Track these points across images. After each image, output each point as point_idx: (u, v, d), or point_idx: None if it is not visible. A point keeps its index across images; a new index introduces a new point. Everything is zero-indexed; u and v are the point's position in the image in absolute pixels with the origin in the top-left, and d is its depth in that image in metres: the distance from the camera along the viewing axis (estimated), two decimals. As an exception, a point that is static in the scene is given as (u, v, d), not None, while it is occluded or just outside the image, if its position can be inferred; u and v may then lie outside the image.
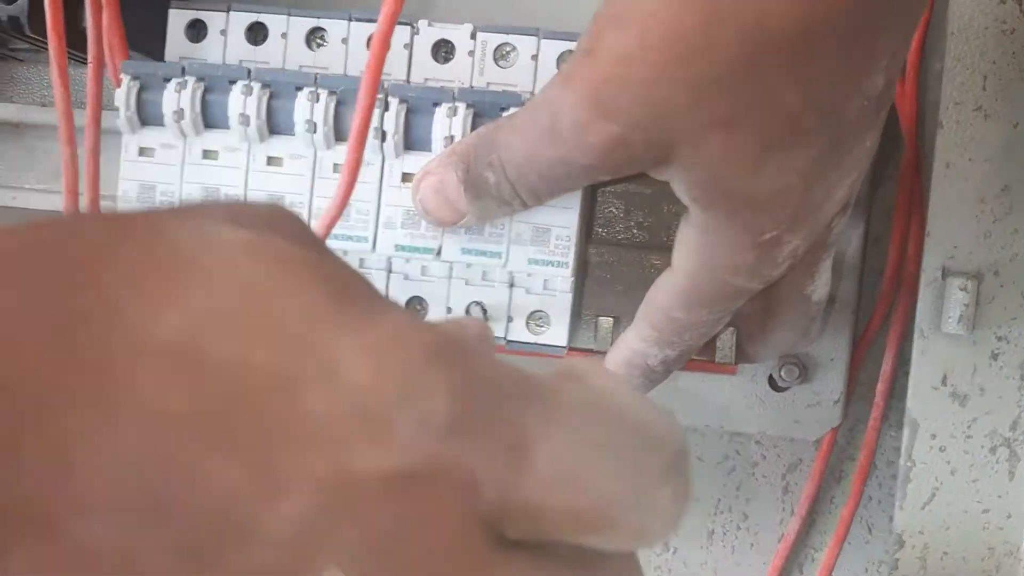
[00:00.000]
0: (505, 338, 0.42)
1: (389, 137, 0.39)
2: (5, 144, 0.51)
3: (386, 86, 0.39)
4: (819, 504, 0.54)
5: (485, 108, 0.39)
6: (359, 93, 0.35)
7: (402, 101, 0.39)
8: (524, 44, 0.42)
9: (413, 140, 0.39)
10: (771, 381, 0.50)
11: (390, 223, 0.40)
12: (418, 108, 0.39)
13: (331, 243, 0.39)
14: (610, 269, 0.49)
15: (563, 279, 0.41)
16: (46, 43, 0.43)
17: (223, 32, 0.42)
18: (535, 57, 0.42)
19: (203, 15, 0.43)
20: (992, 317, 0.41)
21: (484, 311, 0.42)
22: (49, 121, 0.50)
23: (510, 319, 0.42)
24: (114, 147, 0.44)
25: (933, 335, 0.41)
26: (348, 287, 0.18)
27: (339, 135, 0.40)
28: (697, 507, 0.55)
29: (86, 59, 0.43)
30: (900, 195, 0.47)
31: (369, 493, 0.16)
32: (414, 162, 0.39)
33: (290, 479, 0.15)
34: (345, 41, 0.42)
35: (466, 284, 0.42)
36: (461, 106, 0.39)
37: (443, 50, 0.42)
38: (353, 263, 0.42)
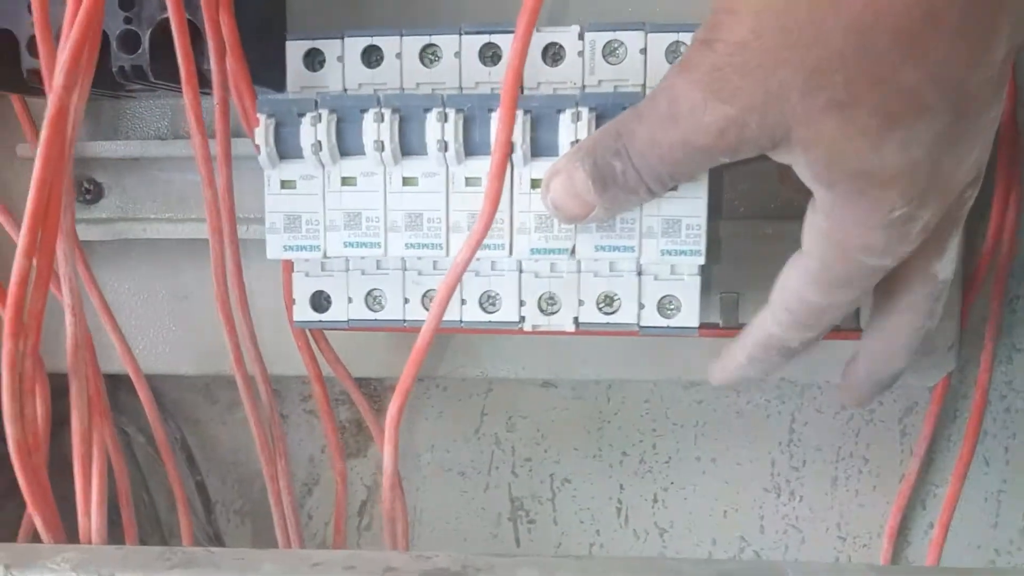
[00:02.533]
0: (638, 324, 0.44)
1: (517, 147, 0.40)
2: (128, 178, 0.53)
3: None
4: (936, 443, 0.56)
5: (607, 110, 0.40)
6: (500, 107, 0.37)
7: (526, 111, 0.40)
8: (631, 39, 0.43)
9: (540, 147, 0.41)
10: (884, 333, 0.52)
11: (524, 228, 0.42)
12: (542, 116, 0.41)
13: (481, 253, 0.41)
14: (724, 243, 0.51)
15: (691, 265, 0.43)
16: (165, 86, 0.46)
17: (339, 59, 0.44)
18: (643, 51, 0.43)
19: (319, 44, 0.44)
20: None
21: (613, 300, 0.44)
22: (168, 153, 0.52)
23: (642, 306, 0.44)
24: (245, 171, 0.47)
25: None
26: None
27: (469, 150, 0.41)
28: (819, 456, 0.57)
29: (208, 93, 0.45)
30: (1003, 138, 0.48)
31: None
32: (542, 168, 0.41)
33: None
34: (458, 55, 0.43)
35: (595, 276, 0.44)
36: (584, 110, 0.40)
37: (552, 52, 0.44)
38: (484, 268, 0.44)
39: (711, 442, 0.58)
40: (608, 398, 0.58)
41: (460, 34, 0.44)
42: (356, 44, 0.44)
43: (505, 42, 0.44)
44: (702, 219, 0.41)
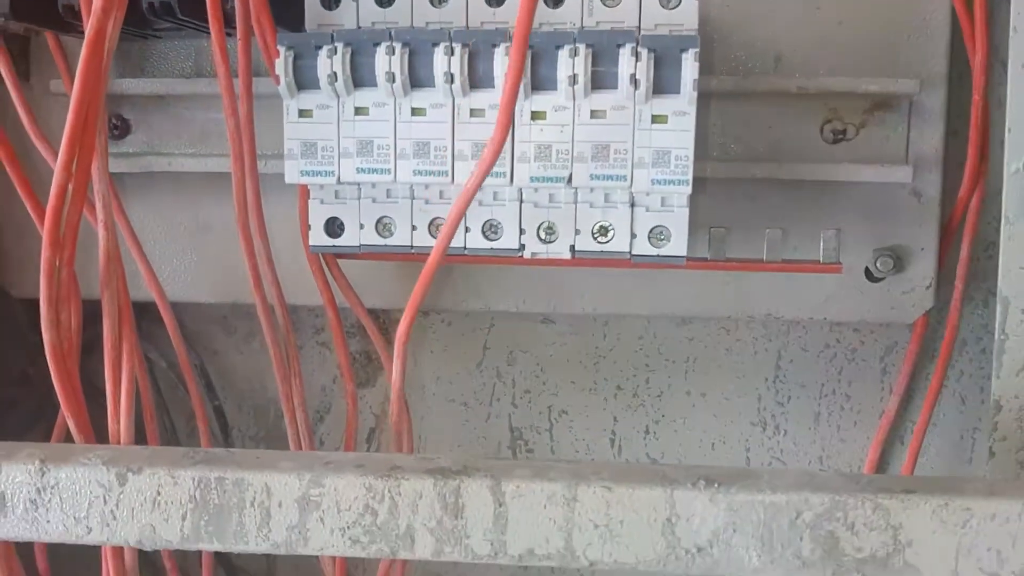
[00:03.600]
0: (630, 253, 0.47)
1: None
2: (154, 115, 0.57)
3: (509, 35, 0.44)
4: (915, 382, 0.59)
5: (603, 47, 0.43)
6: (512, 45, 0.40)
7: (528, 47, 0.43)
8: (628, -17, 0.46)
9: (539, 81, 0.44)
10: (867, 273, 0.55)
11: (524, 157, 0.45)
12: (542, 52, 0.44)
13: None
14: (715, 183, 0.54)
15: (680, 195, 0.46)
16: (191, 23, 0.49)
17: (355, -1, 0.47)
18: (639, -6, 0.46)
19: (336, -16, 0.47)
20: (1075, 197, 0.45)
21: (608, 230, 0.47)
22: (192, 91, 0.55)
23: (634, 235, 0.47)
24: (262, 110, 0.50)
25: (1017, 220, 0.45)
26: None
27: (473, 83, 0.44)
28: (803, 392, 0.60)
29: (230, 33, 0.48)
30: (975, 93, 0.51)
31: None
32: (542, 101, 0.44)
33: None
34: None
35: (591, 207, 0.47)
36: (581, 47, 0.43)
37: (556, -4, 0.47)
38: (487, 197, 0.47)
39: (701, 377, 0.61)
40: (604, 334, 0.61)
41: (468, -24, 0.47)
42: None
43: (510, -15, 0.47)
44: (690, 151, 0.44)
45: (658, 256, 0.47)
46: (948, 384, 0.58)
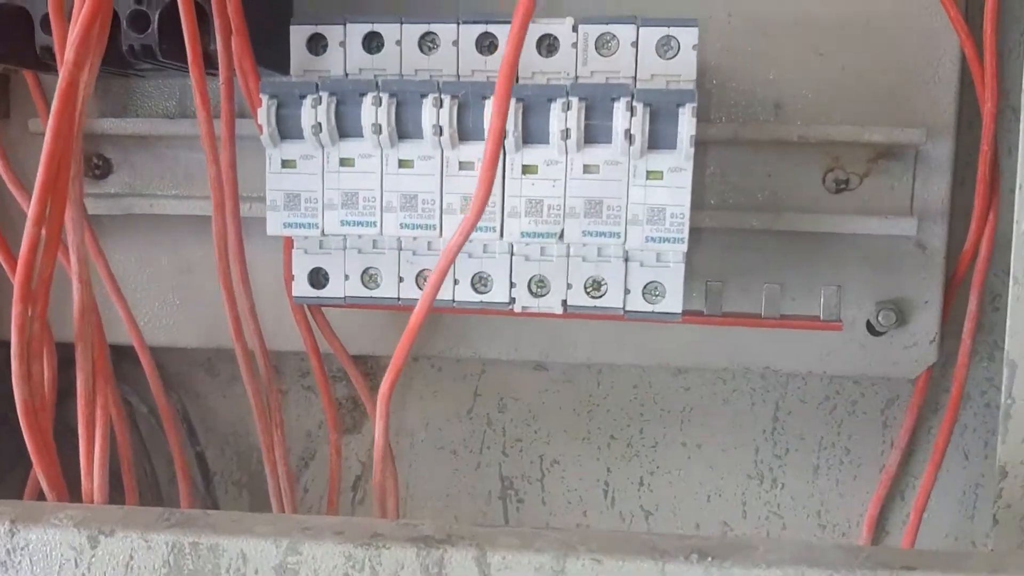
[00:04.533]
0: (623, 308, 0.45)
1: (510, 134, 0.42)
2: (137, 155, 0.55)
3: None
4: (917, 436, 0.57)
5: (596, 101, 0.42)
6: (495, 96, 0.38)
7: (519, 100, 0.42)
8: (624, 32, 0.44)
9: (531, 134, 0.42)
10: (869, 327, 0.53)
11: (514, 212, 0.43)
12: (534, 105, 0.42)
13: (475, 235, 0.42)
14: (712, 233, 0.52)
15: (676, 252, 0.44)
16: (172, 65, 0.47)
17: (342, 44, 0.46)
18: (635, 44, 0.44)
19: (322, 29, 0.46)
20: (1085, 258, 0.43)
21: (601, 285, 0.46)
22: (176, 132, 0.54)
23: (628, 291, 0.45)
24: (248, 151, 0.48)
25: (1028, 279, 0.44)
26: None
27: (462, 135, 0.43)
28: (802, 444, 0.58)
29: (213, 74, 0.47)
30: (984, 142, 0.49)
31: None
32: (533, 155, 0.43)
33: None
34: (456, 43, 0.45)
35: (583, 261, 0.45)
36: (574, 100, 0.42)
37: (546, 43, 0.45)
38: (477, 250, 0.46)
39: (697, 428, 0.59)
40: (598, 383, 0.59)
41: (458, 23, 0.45)
42: (358, 30, 0.46)
43: (502, 32, 0.45)
44: (686, 208, 0.42)
45: (652, 312, 0.45)
46: (952, 439, 0.56)
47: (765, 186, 0.52)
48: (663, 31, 0.44)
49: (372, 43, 0.46)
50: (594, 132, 0.42)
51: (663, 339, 0.54)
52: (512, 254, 0.46)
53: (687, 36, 0.44)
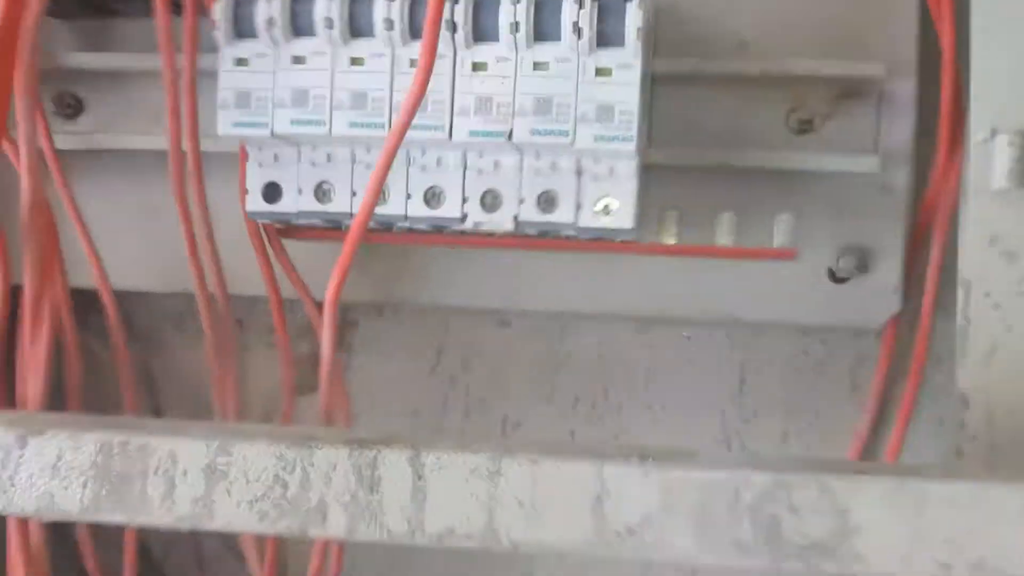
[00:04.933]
0: (575, 224, 0.45)
1: (460, 29, 0.42)
2: (106, 92, 0.56)
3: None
4: (888, 399, 0.55)
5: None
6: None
7: (471, -5, 0.42)
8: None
9: (481, 31, 0.43)
10: (831, 273, 0.52)
11: (464, 111, 0.43)
12: (486, 2, 0.42)
13: (411, 134, 0.42)
14: (670, 170, 0.52)
15: (628, 159, 0.44)
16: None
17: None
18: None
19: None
20: (1042, 171, 0.42)
21: (554, 199, 0.45)
22: (149, 67, 0.54)
23: (579, 206, 0.45)
24: (209, 89, 0.49)
25: (981, 196, 0.43)
26: None
27: (414, 33, 0.43)
28: (770, 408, 0.57)
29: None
30: (944, 78, 0.49)
31: None
32: (484, 52, 0.43)
33: None
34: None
35: (536, 175, 0.45)
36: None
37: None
38: (430, 163, 0.45)
39: (662, 389, 0.58)
40: (561, 339, 0.58)
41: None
42: None
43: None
44: (634, 104, 0.42)
45: (605, 229, 0.45)
46: (923, 403, 0.54)
47: (727, 125, 0.51)
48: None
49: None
50: (544, 28, 0.42)
51: (623, 286, 0.53)
52: (465, 168, 0.46)
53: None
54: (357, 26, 0.43)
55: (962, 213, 0.43)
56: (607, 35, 0.42)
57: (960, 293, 0.43)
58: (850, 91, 0.51)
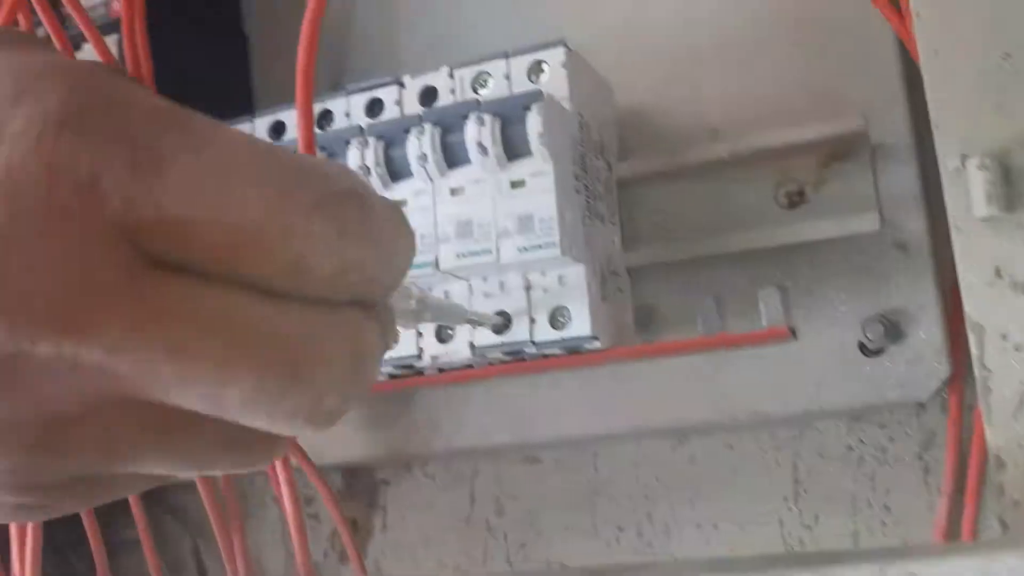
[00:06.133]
0: (532, 339, 0.42)
1: (373, 171, 0.42)
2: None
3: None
4: (965, 475, 0.47)
5: (449, 121, 0.41)
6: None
7: (379, 137, 0.42)
8: (496, 68, 0.44)
9: (396, 169, 0.42)
10: (862, 348, 0.46)
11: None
12: (394, 139, 0.42)
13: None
14: (653, 269, 0.48)
15: (573, 265, 0.41)
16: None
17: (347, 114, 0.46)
18: (507, 76, 0.44)
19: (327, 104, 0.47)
20: (1033, 190, 0.36)
21: (508, 319, 0.43)
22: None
23: (533, 321, 0.42)
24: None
25: (969, 226, 0.37)
26: (16, 37, 0.19)
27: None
28: (832, 508, 0.50)
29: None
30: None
31: None
32: (402, 189, 0.42)
33: None
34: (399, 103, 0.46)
35: (485, 297, 0.43)
36: (427, 125, 0.41)
37: (427, 95, 0.45)
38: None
39: (710, 505, 0.52)
40: (595, 467, 0.54)
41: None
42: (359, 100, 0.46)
43: (386, 92, 0.46)
44: (552, 210, 0.40)
45: (562, 340, 0.42)
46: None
47: (711, 215, 0.48)
48: (531, 57, 0.43)
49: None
50: (454, 153, 0.41)
51: (633, 401, 0.49)
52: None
53: (554, 56, 0.43)
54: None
55: (955, 251, 0.37)
56: (514, 146, 0.40)
57: (972, 341, 0.37)
58: (837, 152, 0.46)
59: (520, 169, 0.40)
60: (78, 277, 0.16)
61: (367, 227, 0.20)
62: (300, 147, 0.40)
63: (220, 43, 0.59)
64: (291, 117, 0.47)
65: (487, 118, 0.40)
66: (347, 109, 0.47)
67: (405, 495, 0.58)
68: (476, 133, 0.40)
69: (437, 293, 0.43)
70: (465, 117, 0.41)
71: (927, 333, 0.45)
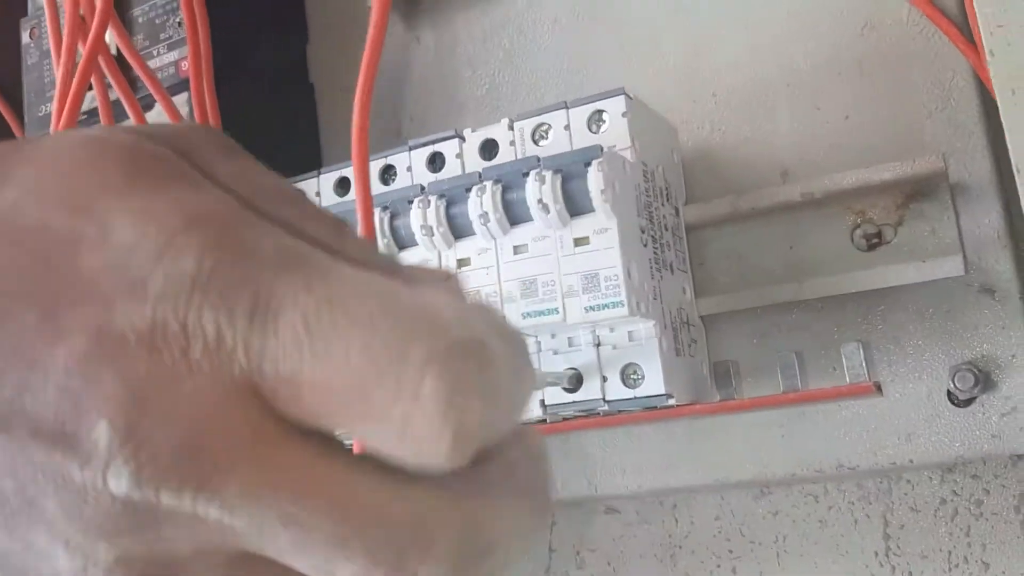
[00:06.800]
0: (603, 398, 0.41)
1: (435, 231, 0.41)
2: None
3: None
4: (1075, 534, 0.44)
5: (510, 179, 0.40)
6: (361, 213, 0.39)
7: (440, 196, 0.42)
8: (556, 119, 0.44)
9: (457, 228, 0.42)
10: (950, 397, 0.44)
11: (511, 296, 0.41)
12: (455, 198, 0.42)
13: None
14: (730, 317, 0.47)
15: (644, 322, 0.40)
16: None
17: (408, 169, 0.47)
18: (567, 127, 0.43)
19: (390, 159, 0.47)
20: None
21: (581, 377, 0.42)
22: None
23: (604, 379, 0.41)
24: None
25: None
26: (150, 168, 0.19)
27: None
28: (927, 565, 0.47)
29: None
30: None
31: (127, 345, 0.17)
32: (465, 248, 0.42)
33: (66, 327, 0.17)
34: (459, 156, 0.45)
35: (554, 355, 0.42)
36: (488, 184, 0.41)
37: (487, 148, 0.45)
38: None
39: (797, 560, 0.50)
40: (676, 519, 0.53)
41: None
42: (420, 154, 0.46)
43: (447, 146, 0.46)
44: (619, 268, 0.39)
45: (635, 399, 0.41)
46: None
47: (787, 258, 0.46)
48: (591, 107, 0.43)
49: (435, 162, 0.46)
50: (516, 211, 0.41)
51: (711, 453, 0.48)
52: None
53: (614, 106, 0.42)
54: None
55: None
56: (576, 203, 0.39)
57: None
58: (915, 192, 0.44)
59: (583, 226, 0.40)
60: (205, 434, 0.17)
61: (486, 382, 0.18)
62: (359, 209, 0.40)
63: (287, 94, 0.60)
64: (402, 160, 0.46)
65: (548, 175, 0.39)
66: (408, 164, 0.47)
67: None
68: (537, 191, 0.39)
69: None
70: (526, 175, 0.40)
71: (1019, 381, 0.43)
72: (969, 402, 0.43)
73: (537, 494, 0.20)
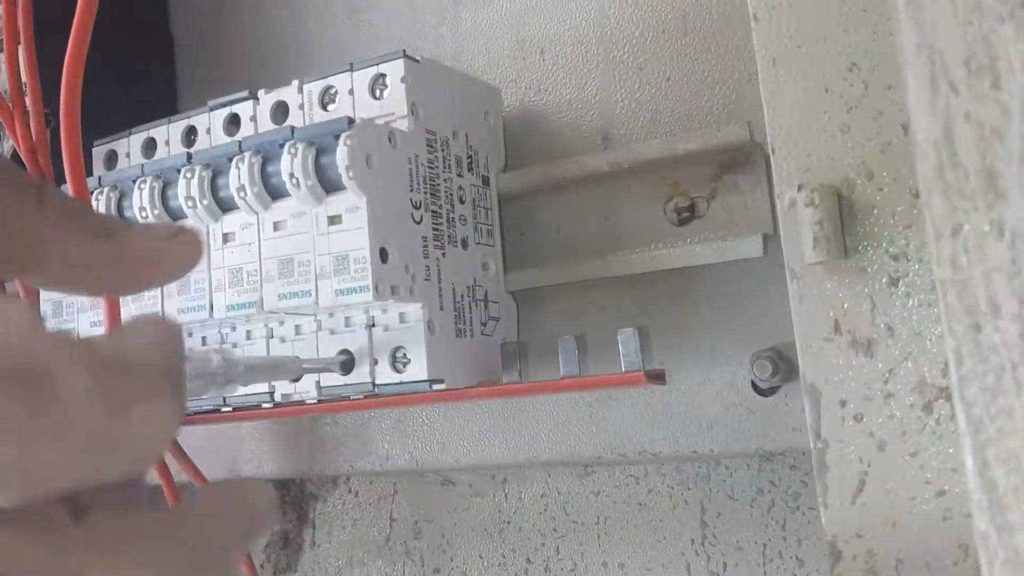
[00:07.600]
0: (373, 382, 0.39)
1: (198, 204, 0.39)
2: None
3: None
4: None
5: (271, 151, 0.38)
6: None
7: (206, 166, 0.40)
8: (341, 82, 0.41)
9: (223, 201, 0.40)
10: (754, 386, 0.41)
11: (220, 285, 0.40)
12: (221, 169, 0.39)
13: (182, 317, 0.40)
14: (537, 292, 0.45)
15: (366, 302, 0.38)
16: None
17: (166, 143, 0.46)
18: (351, 91, 0.41)
19: (113, 145, 0.47)
20: (876, 232, 0.31)
21: (352, 362, 0.40)
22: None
23: (375, 362, 0.39)
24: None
25: (804, 272, 0.32)
26: None
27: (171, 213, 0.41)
28: (741, 556, 0.45)
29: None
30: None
31: None
32: (230, 222, 0.40)
33: None
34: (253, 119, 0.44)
35: (331, 334, 0.40)
36: (247, 155, 0.38)
37: (279, 110, 0.43)
38: (241, 338, 0.42)
39: (616, 543, 0.48)
40: (506, 494, 0.51)
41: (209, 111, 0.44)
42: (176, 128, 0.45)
43: (243, 107, 0.44)
44: (365, 251, 0.36)
45: (401, 383, 0.39)
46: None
47: (601, 231, 0.44)
48: (373, 71, 0.40)
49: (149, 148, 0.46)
50: (275, 185, 0.38)
51: (527, 432, 0.46)
52: (269, 338, 0.42)
53: (394, 70, 0.40)
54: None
55: (790, 297, 0.32)
56: (328, 179, 0.37)
57: (807, 406, 0.32)
58: (731, 163, 0.41)
59: (337, 203, 0.37)
60: None
61: (33, 419, 0.16)
62: (71, 192, 0.38)
63: (145, 44, 0.58)
64: (203, 121, 0.45)
65: (300, 148, 0.37)
66: (208, 125, 0.45)
67: (333, 510, 0.56)
68: (289, 164, 0.37)
69: (288, 331, 0.41)
70: (282, 145, 0.38)
71: (825, 372, 0.40)
72: (772, 391, 0.41)
73: (163, 551, 0.17)
